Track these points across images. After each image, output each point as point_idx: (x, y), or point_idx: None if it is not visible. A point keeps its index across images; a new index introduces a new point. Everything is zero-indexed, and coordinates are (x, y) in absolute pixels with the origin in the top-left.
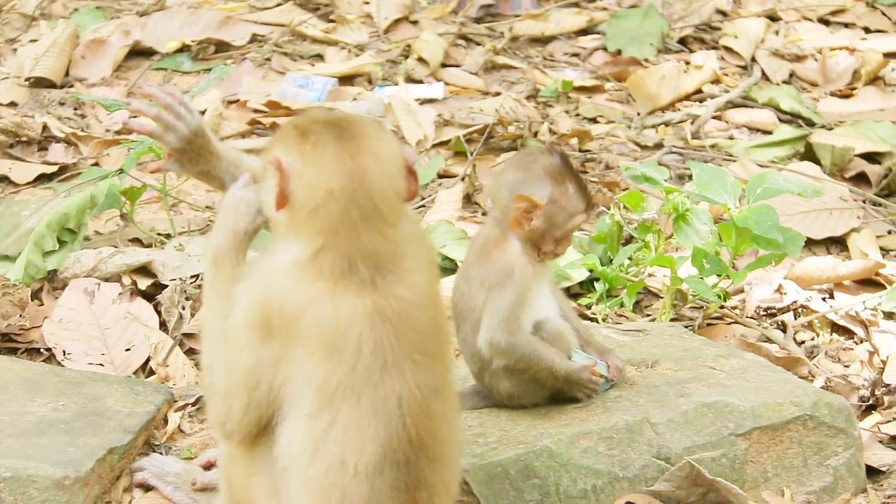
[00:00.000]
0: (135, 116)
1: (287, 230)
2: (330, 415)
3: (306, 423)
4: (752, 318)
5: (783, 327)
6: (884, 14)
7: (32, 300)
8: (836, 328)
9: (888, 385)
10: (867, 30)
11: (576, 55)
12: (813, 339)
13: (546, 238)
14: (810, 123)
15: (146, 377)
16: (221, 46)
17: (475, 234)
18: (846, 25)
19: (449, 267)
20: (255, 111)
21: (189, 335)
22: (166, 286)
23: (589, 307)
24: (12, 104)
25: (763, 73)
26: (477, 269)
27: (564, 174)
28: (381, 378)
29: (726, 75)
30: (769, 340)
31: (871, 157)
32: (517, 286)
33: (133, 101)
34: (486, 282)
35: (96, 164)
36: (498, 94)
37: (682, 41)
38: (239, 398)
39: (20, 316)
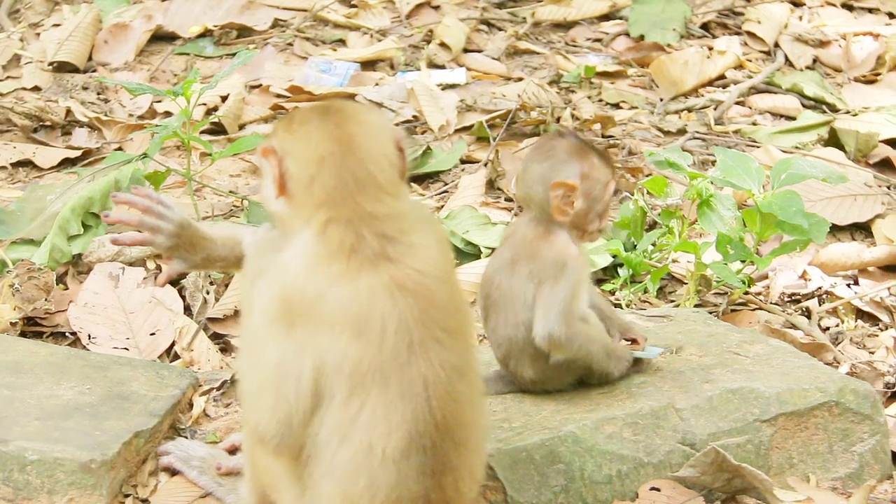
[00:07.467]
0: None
1: (293, 219)
2: (360, 399)
3: (336, 409)
4: (776, 304)
5: (808, 313)
6: None
7: (57, 284)
8: (860, 314)
9: None
10: (891, 15)
11: (598, 40)
12: (838, 325)
13: (590, 216)
14: (834, 109)
15: (171, 361)
16: (244, 31)
17: (510, 234)
18: (870, 11)
19: (472, 252)
20: (278, 96)
21: (213, 319)
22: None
23: (613, 293)
24: (36, 88)
25: (786, 59)
26: (525, 263)
27: (585, 149)
28: (407, 359)
29: (749, 61)
30: (794, 327)
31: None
32: (571, 279)
33: (111, 212)
34: (537, 276)
35: (120, 149)
36: (520, 79)
37: (705, 26)
38: (267, 394)
39: (45, 300)
